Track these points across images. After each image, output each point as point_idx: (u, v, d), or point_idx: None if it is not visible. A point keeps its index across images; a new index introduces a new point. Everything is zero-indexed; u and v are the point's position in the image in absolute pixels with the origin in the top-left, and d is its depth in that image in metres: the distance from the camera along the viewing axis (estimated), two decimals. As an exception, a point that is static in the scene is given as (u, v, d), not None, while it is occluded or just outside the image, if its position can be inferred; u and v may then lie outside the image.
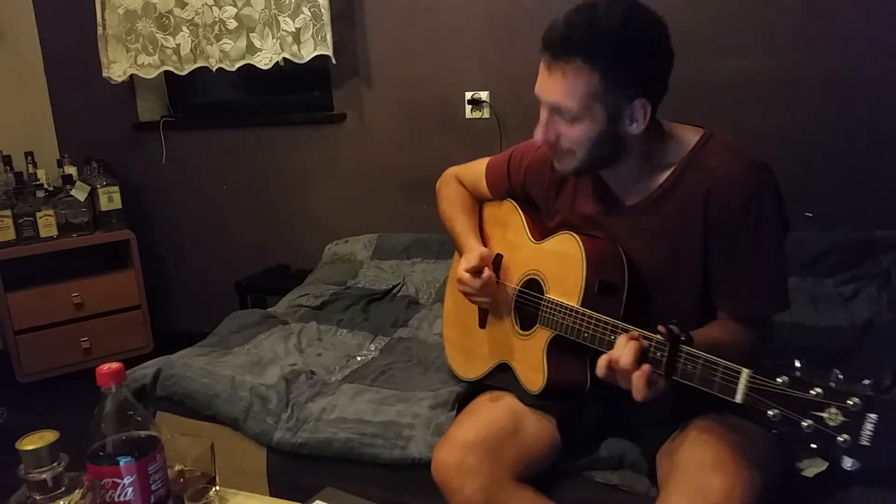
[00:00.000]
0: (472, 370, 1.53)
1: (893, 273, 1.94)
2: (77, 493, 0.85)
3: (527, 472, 1.25)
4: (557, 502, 1.25)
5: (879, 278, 1.93)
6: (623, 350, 1.01)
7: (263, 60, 2.70)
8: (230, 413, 1.62)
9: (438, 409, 1.51)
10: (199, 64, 2.81)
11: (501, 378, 1.41)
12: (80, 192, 2.85)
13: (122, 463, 0.89)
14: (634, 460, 1.32)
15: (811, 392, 0.82)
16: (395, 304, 2.29)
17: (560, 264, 1.28)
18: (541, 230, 1.38)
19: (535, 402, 1.31)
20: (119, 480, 0.89)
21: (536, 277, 1.33)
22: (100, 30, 2.87)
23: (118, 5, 2.83)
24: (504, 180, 1.48)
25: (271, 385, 1.63)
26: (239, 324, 2.06)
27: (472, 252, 1.38)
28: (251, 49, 2.71)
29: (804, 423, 0.82)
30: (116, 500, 0.90)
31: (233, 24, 2.70)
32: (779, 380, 0.86)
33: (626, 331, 1.07)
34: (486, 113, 2.56)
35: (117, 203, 2.97)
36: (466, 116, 2.58)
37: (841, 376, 0.81)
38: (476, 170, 1.55)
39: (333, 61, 2.62)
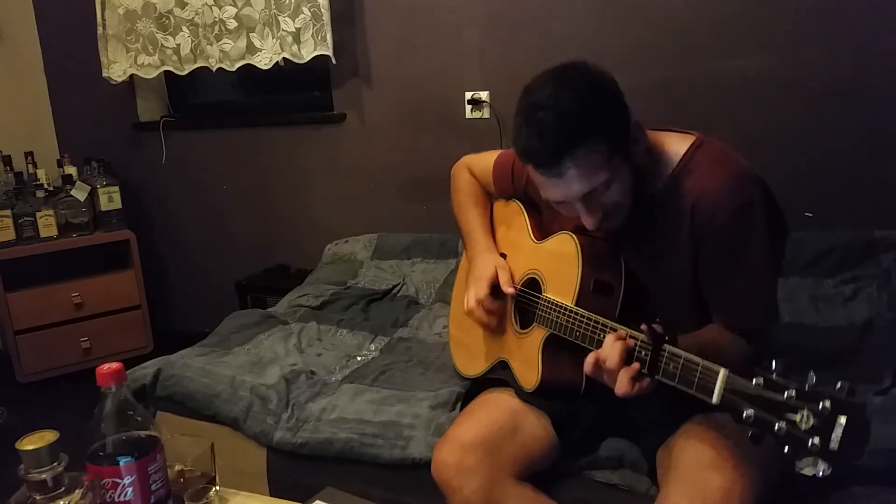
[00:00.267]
0: (473, 367, 1.54)
1: (893, 273, 1.94)
2: (77, 493, 0.85)
3: (527, 472, 1.26)
4: (558, 501, 1.26)
5: (879, 278, 1.93)
6: (610, 349, 1.02)
7: (263, 60, 2.70)
8: (230, 413, 1.62)
9: (438, 409, 1.51)
10: (199, 64, 2.82)
11: (500, 374, 1.42)
12: (80, 192, 2.85)
13: (122, 463, 0.89)
14: (634, 459, 1.32)
15: (785, 394, 0.82)
16: (395, 304, 2.29)
17: (557, 263, 1.29)
18: (542, 231, 1.40)
19: (531, 399, 1.31)
20: (119, 480, 0.89)
21: (536, 277, 1.34)
22: (100, 30, 2.87)
23: (118, 5, 2.83)
24: (508, 182, 1.48)
25: (271, 385, 1.63)
26: (239, 324, 2.06)
27: (482, 282, 1.37)
28: (251, 49, 2.71)
29: (777, 425, 0.82)
30: (116, 500, 0.89)
31: (233, 24, 2.70)
32: (754, 381, 0.86)
33: (616, 330, 1.08)
34: (486, 113, 2.56)
35: (117, 203, 2.97)
36: (466, 116, 2.58)
37: (815, 379, 0.81)
38: (486, 163, 1.55)
39: (333, 61, 2.62)
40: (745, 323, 1.16)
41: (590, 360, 1.06)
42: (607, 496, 1.32)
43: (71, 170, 2.96)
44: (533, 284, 1.35)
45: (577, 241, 1.24)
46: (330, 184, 2.90)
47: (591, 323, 1.14)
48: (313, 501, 1.07)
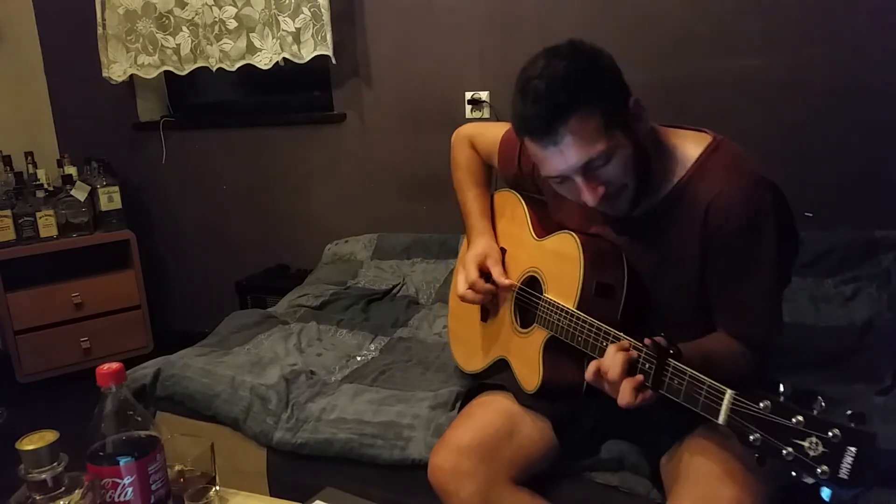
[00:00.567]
0: (472, 363, 1.53)
1: (893, 273, 1.94)
2: (77, 493, 0.85)
3: (523, 475, 1.25)
4: (557, 503, 1.25)
5: (879, 278, 1.93)
6: (612, 360, 1.01)
7: (263, 60, 2.70)
8: (230, 413, 1.62)
9: (438, 409, 1.51)
10: (199, 64, 2.81)
11: (501, 376, 1.41)
12: (80, 192, 2.85)
13: (122, 463, 0.89)
14: (635, 462, 1.32)
15: (793, 420, 0.81)
16: (395, 304, 2.29)
17: (558, 264, 1.28)
18: (544, 226, 1.37)
19: (531, 402, 1.31)
20: (119, 480, 0.89)
21: (536, 275, 1.33)
22: (100, 30, 2.87)
23: (118, 5, 2.83)
24: (514, 161, 1.43)
25: (271, 385, 1.63)
26: (239, 324, 2.06)
27: (471, 265, 1.38)
28: (251, 49, 2.71)
29: (784, 451, 0.82)
30: (116, 500, 0.90)
31: (233, 24, 2.70)
32: (761, 404, 0.85)
33: (619, 339, 1.07)
34: (486, 113, 2.56)
35: (117, 203, 2.97)
36: (466, 116, 2.58)
37: (823, 404, 0.80)
38: (491, 138, 1.49)
39: (333, 61, 2.62)
40: (751, 331, 1.15)
41: (591, 368, 1.05)
42: (607, 498, 1.31)
43: (71, 170, 2.96)
44: (533, 283, 1.34)
45: (578, 241, 1.23)
46: (330, 184, 2.90)
47: (594, 330, 1.13)
48: (313, 501, 1.07)
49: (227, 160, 3.05)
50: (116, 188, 2.96)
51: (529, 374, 1.30)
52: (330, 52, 2.59)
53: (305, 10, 2.58)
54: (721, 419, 0.90)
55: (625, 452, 1.33)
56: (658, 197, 1.17)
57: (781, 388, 0.84)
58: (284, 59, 2.66)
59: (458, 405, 1.51)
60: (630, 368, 1.01)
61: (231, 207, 3.11)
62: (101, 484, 0.89)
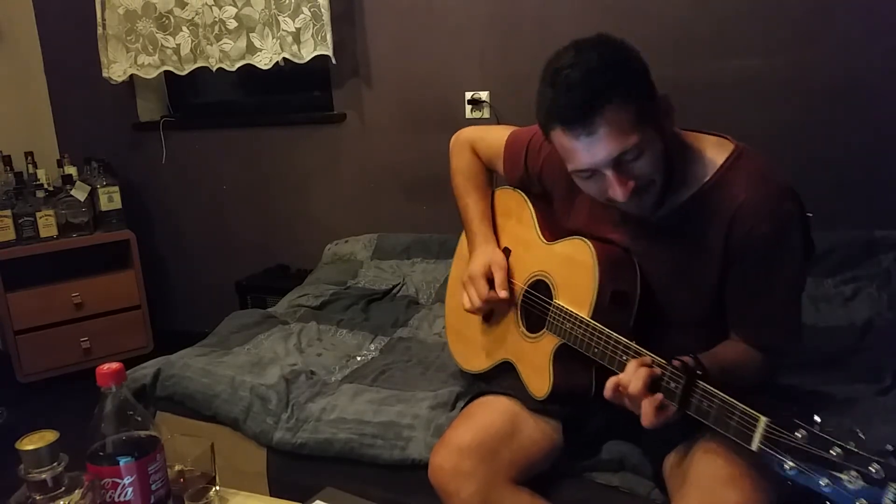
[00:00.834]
0: (474, 363, 1.51)
1: (893, 273, 1.94)
2: (77, 493, 0.85)
3: (523, 475, 1.25)
4: (557, 503, 1.25)
5: (879, 278, 1.93)
6: (633, 376, 1.00)
7: (263, 60, 2.70)
8: (230, 413, 1.62)
9: (438, 409, 1.51)
10: (199, 64, 2.82)
11: (504, 384, 1.38)
12: (80, 192, 2.85)
13: (122, 463, 0.89)
14: (636, 463, 1.31)
15: (831, 451, 0.80)
16: (395, 304, 2.29)
17: (571, 270, 1.25)
18: (552, 229, 1.34)
19: (539, 406, 1.30)
20: (119, 480, 0.89)
21: (544, 279, 1.31)
22: (100, 30, 2.87)
23: (118, 5, 2.83)
24: (521, 164, 1.40)
25: (271, 385, 1.63)
26: (239, 324, 2.06)
27: (480, 280, 1.36)
28: (251, 49, 2.71)
29: (822, 482, 0.80)
30: (116, 500, 0.89)
31: (233, 24, 2.70)
32: (797, 434, 0.83)
33: (640, 354, 1.05)
34: (486, 113, 2.56)
35: (117, 203, 2.97)
36: (466, 116, 2.58)
37: (862, 436, 0.79)
38: (494, 142, 1.46)
39: (333, 61, 2.62)
40: (769, 340, 1.15)
41: (610, 384, 1.03)
42: (607, 498, 1.31)
43: (71, 170, 2.96)
44: (540, 287, 1.32)
45: (593, 249, 1.19)
46: (330, 184, 2.90)
47: (612, 342, 1.11)
48: (313, 501, 1.07)
49: (226, 160, 3.05)
50: (116, 188, 2.96)
51: (539, 380, 1.28)
52: (330, 52, 2.59)
53: (305, 10, 2.58)
54: (754, 446, 0.89)
55: (625, 453, 1.33)
56: (680, 200, 1.15)
57: (817, 418, 0.83)
58: (284, 59, 2.66)
59: (458, 405, 1.51)
60: (652, 386, 1.00)
61: (231, 207, 3.11)
62: (101, 484, 0.89)
